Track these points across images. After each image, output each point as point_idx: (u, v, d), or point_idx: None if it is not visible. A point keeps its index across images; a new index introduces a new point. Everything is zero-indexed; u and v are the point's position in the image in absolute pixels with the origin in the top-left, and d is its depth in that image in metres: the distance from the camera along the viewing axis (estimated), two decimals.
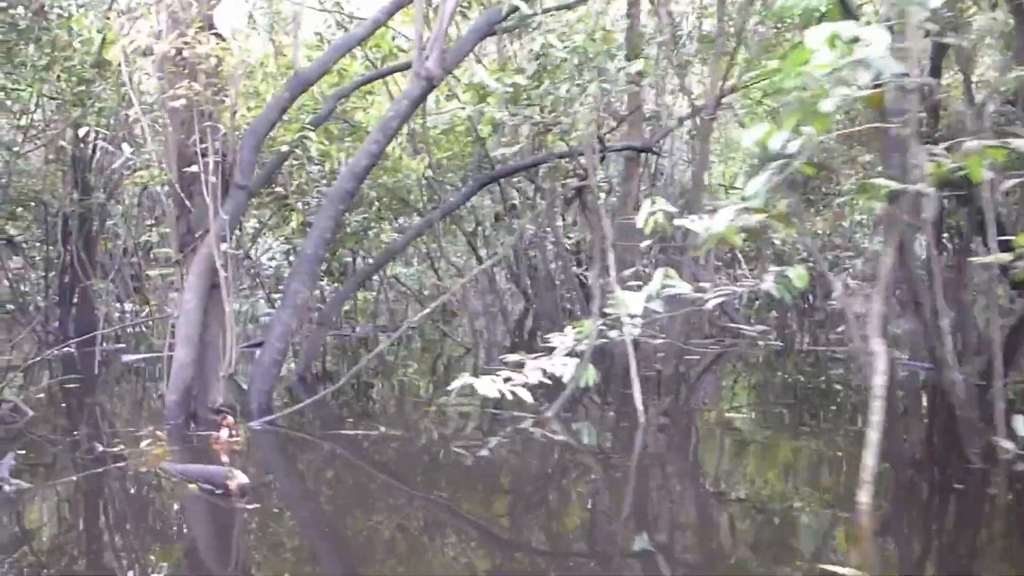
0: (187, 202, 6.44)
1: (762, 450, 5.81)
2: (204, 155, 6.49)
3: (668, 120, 10.38)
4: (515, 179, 11.32)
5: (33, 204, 15.24)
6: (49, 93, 11.98)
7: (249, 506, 3.91)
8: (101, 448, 5.26)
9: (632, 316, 5.85)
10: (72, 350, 8.21)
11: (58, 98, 12.24)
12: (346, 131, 9.00)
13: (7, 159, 13.56)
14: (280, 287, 14.76)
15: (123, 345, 13.42)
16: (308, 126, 7.42)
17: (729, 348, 10.19)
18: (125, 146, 6.26)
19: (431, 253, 14.58)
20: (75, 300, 15.12)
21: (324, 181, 8.40)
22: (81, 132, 13.03)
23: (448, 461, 5.30)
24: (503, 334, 12.95)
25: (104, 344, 13.12)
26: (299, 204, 8.41)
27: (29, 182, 14.87)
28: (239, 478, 4.04)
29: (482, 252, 13.67)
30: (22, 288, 14.90)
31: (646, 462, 5.46)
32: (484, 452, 5.57)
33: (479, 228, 12.85)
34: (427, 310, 6.86)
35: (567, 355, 6.38)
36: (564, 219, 15.59)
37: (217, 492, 4.10)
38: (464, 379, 5.71)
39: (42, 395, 7.40)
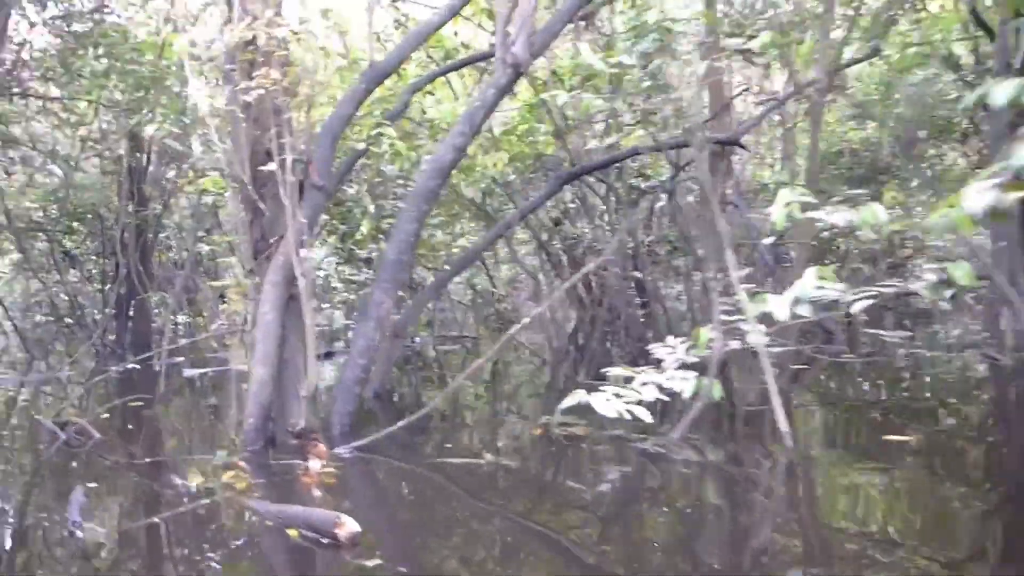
0: (261, 204, 5.83)
1: (952, 482, 4.63)
2: (278, 153, 5.90)
3: (756, 109, 9.55)
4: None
5: (89, 217, 14.97)
6: (106, 101, 11.61)
7: (368, 562, 3.21)
8: (179, 481, 4.65)
9: (770, 322, 5.07)
10: (135, 365, 7.66)
11: (115, 107, 11.88)
12: (419, 129, 8.36)
13: (66, 171, 13.28)
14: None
15: (181, 359, 12.99)
16: (384, 121, 6.78)
17: (871, 356, 9.08)
18: (195, 144, 5.70)
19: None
20: (131, 313, 14.80)
21: (400, 181, 7.75)
22: (143, 133, 12.73)
23: (579, 495, 4.53)
24: (557, 343, 12.18)
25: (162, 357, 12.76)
26: (370, 207, 7.77)
27: (84, 195, 14.59)
28: (350, 526, 3.35)
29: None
30: (78, 301, 14.58)
31: (807, 497, 4.60)
32: (609, 483, 4.83)
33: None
34: (518, 325, 6.13)
35: (679, 367, 5.68)
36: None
37: (324, 541, 3.42)
38: (577, 396, 5.00)
39: (106, 414, 6.86)
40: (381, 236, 8.11)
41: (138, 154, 13.16)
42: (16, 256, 16.14)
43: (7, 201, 12.85)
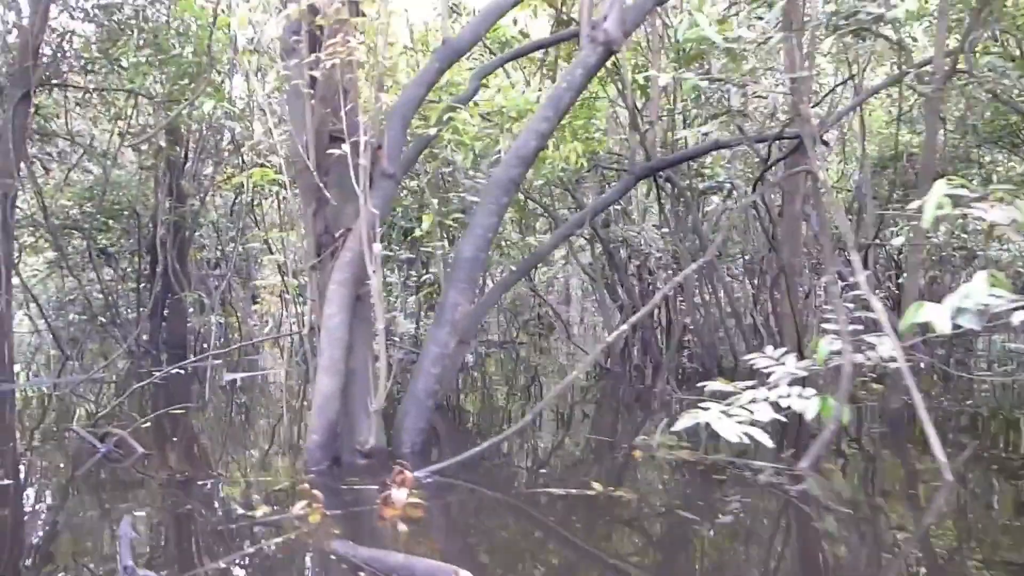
0: (327, 193, 5.14)
1: None
2: (344, 137, 5.22)
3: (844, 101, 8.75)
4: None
5: (125, 214, 14.44)
6: (147, 92, 11.06)
7: None
8: (240, 510, 3.95)
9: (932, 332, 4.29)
10: (181, 370, 7.00)
11: (155, 97, 11.32)
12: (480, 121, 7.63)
13: (104, 166, 12.74)
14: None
15: (219, 361, 12.38)
16: (457, 104, 6.09)
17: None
18: (257, 125, 5.02)
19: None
20: (165, 312, 14.25)
21: (471, 172, 7.04)
22: (182, 126, 12.17)
23: (728, 543, 3.76)
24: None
25: (194, 358, 12.11)
26: (433, 201, 7.06)
27: (120, 192, 14.07)
28: None
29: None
30: (112, 299, 14.03)
31: (984, 544, 3.80)
32: (764, 526, 4.06)
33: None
34: (611, 336, 5.38)
35: (791, 383, 4.91)
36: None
37: None
38: (694, 416, 4.25)
39: (147, 423, 6.21)
40: (445, 233, 7.41)
41: (177, 147, 12.58)
42: (50, 254, 15.68)
43: (43, 198, 12.31)
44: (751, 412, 4.45)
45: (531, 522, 3.91)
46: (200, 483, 4.58)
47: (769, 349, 5.29)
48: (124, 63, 11.24)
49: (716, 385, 5.04)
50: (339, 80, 5.08)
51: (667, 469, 4.71)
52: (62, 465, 5.27)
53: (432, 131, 5.91)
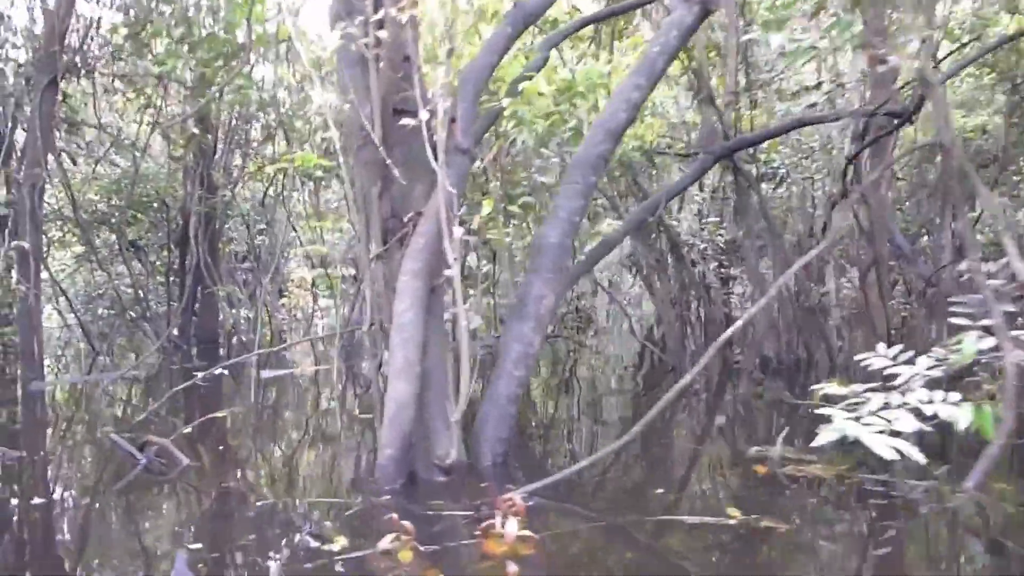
0: (395, 171, 4.45)
1: None
2: (409, 110, 4.55)
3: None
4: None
5: (155, 206, 13.88)
6: (178, 78, 10.44)
7: None
8: (313, 543, 3.29)
9: None
10: (223, 371, 6.35)
11: (185, 84, 10.72)
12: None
13: (133, 155, 12.16)
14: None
15: (254, 357, 11.78)
16: (530, 72, 5.39)
17: None
18: (315, 94, 4.32)
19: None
20: (196, 307, 13.69)
21: (544, 151, 6.33)
22: (213, 115, 11.57)
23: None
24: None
25: (234, 356, 11.52)
26: (493, 182, 6.36)
27: (148, 185, 13.51)
28: None
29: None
30: (140, 294, 13.47)
31: None
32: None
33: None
34: (731, 329, 4.63)
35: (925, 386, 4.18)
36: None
37: None
38: (839, 425, 3.54)
39: (188, 429, 5.58)
40: (509, 220, 6.71)
41: (209, 136, 11.97)
42: (78, 248, 15.17)
43: (72, 190, 11.75)
44: (888, 421, 3.75)
45: (673, 563, 3.18)
46: (258, 503, 3.92)
47: (882, 347, 4.57)
48: (153, 49, 10.69)
49: (832, 388, 4.34)
50: (406, 42, 4.40)
51: (804, 489, 3.99)
52: (99, 479, 4.64)
53: (505, 102, 5.20)
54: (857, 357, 5.04)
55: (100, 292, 15.34)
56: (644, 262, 10.57)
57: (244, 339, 13.09)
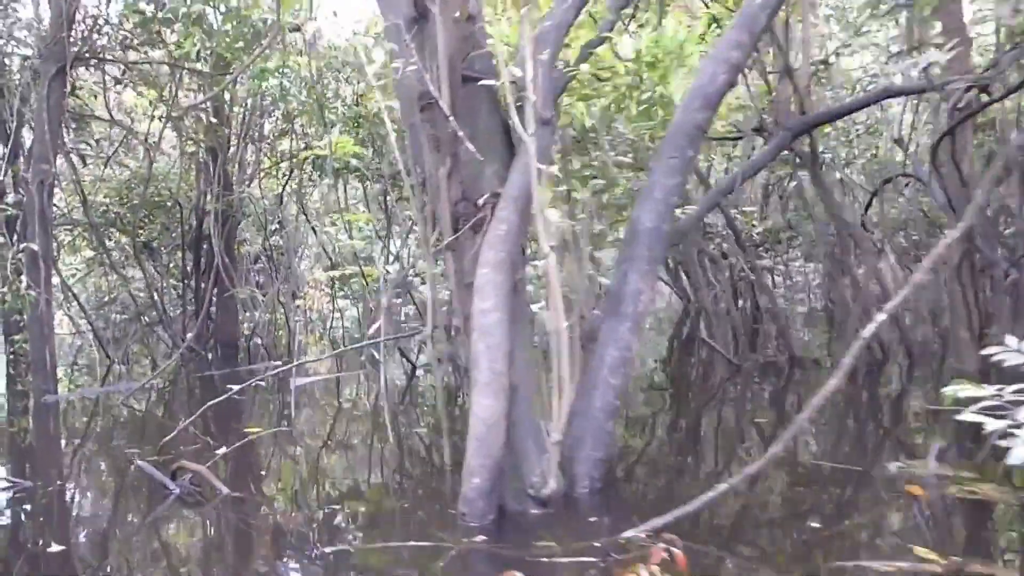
0: (470, 146, 3.72)
1: None
2: (479, 76, 3.83)
3: None
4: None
5: (168, 204, 13.17)
6: (192, 65, 9.72)
7: None
8: None
9: None
10: (261, 382, 5.63)
11: (202, 71, 10.00)
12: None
13: (147, 149, 11.45)
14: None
15: (280, 363, 11.08)
16: (606, 34, 4.66)
17: None
18: (379, 50, 3.64)
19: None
20: (213, 310, 12.99)
21: (616, 125, 5.57)
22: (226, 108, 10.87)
23: None
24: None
25: (246, 357, 10.81)
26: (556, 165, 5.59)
27: (160, 185, 12.80)
28: None
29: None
30: (156, 298, 12.76)
31: None
32: None
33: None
34: (872, 325, 3.92)
35: None
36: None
37: None
38: None
39: (221, 449, 4.87)
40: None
41: (225, 128, 11.27)
42: (88, 253, 14.49)
43: (82, 188, 11.05)
44: None
45: None
46: (327, 550, 3.19)
47: (1012, 340, 3.83)
48: (166, 37, 9.98)
49: (968, 390, 3.61)
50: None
51: (991, 518, 3.26)
52: (125, 517, 3.93)
53: (583, 67, 4.46)
54: (989, 351, 4.31)
55: (112, 297, 14.65)
56: (686, 255, 9.85)
57: (264, 343, 12.39)
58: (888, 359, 7.53)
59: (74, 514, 3.99)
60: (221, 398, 4.90)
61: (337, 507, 3.88)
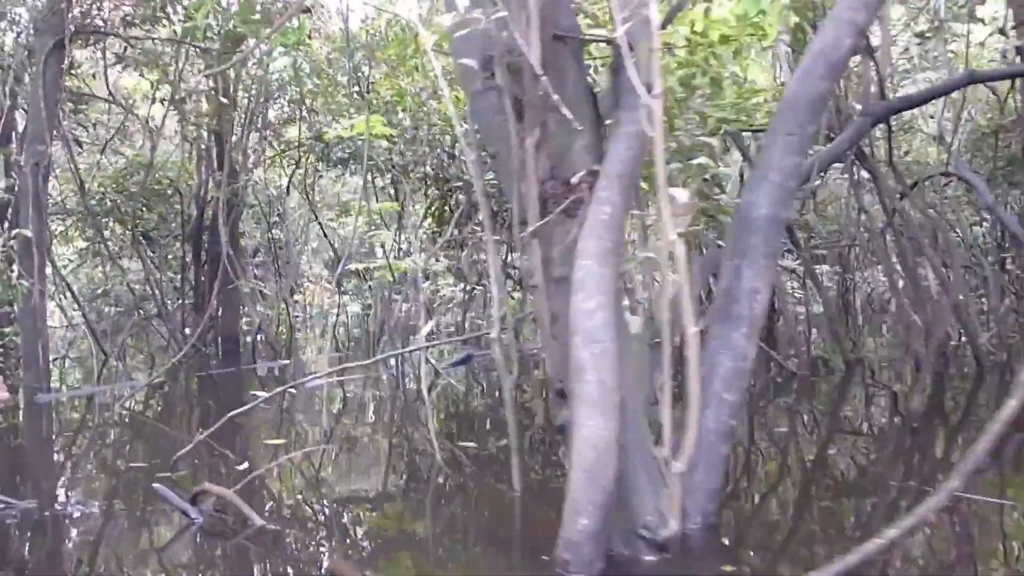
0: (566, 111, 3.05)
1: None
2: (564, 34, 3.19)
3: None
4: None
5: (169, 193, 12.41)
6: (198, 41, 9.00)
7: None
8: None
9: None
10: (292, 390, 4.92)
11: (208, 48, 9.28)
12: None
13: (151, 131, 10.69)
14: None
15: (287, 361, 10.39)
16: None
17: None
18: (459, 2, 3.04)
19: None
20: (215, 304, 12.23)
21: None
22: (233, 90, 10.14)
23: None
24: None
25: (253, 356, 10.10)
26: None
27: (159, 173, 12.05)
28: None
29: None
30: (156, 291, 11.99)
31: None
32: None
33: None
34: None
35: None
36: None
37: None
38: None
39: (243, 464, 4.19)
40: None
41: (234, 112, 10.53)
42: (81, 244, 13.69)
43: (79, 175, 10.29)
44: None
45: None
46: None
47: None
48: (171, 14, 9.26)
49: None
50: None
51: None
52: (139, 546, 3.24)
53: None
54: None
55: (105, 289, 13.86)
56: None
57: (269, 340, 11.68)
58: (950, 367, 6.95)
59: (79, 542, 3.30)
60: (246, 407, 4.19)
61: (395, 546, 3.21)
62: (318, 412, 6.20)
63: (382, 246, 8.94)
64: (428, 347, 5.31)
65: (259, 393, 4.25)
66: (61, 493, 3.98)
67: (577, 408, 2.77)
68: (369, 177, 12.68)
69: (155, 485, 3.52)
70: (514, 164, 3.29)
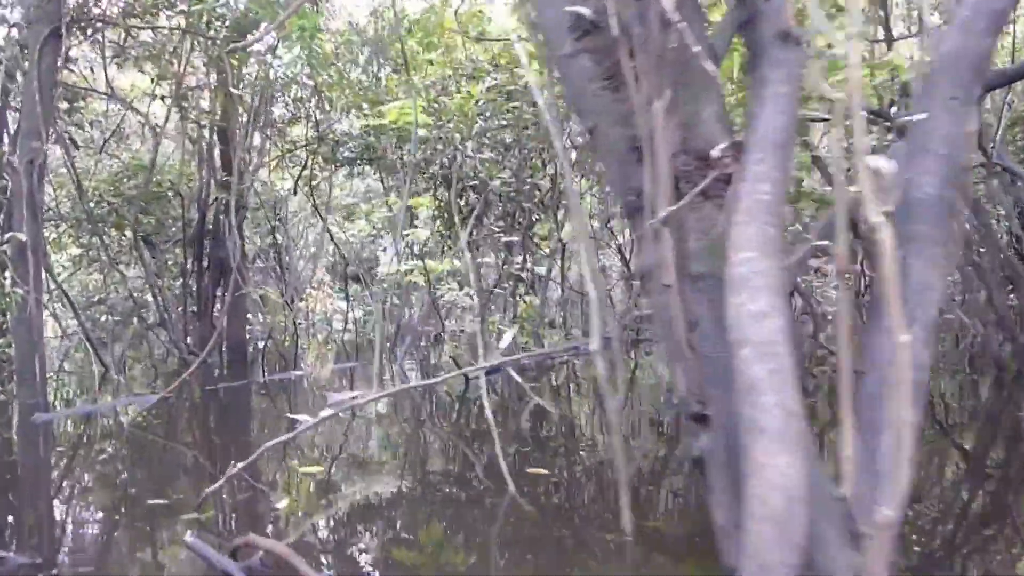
0: (708, 65, 2.42)
1: None
2: None
3: None
4: None
5: (170, 194, 11.68)
6: (202, 32, 8.33)
7: None
8: None
9: None
10: (329, 410, 4.23)
11: (213, 39, 8.61)
12: None
13: (154, 128, 9.98)
14: None
15: (300, 372, 9.70)
16: None
17: None
18: None
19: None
20: (216, 313, 11.51)
21: None
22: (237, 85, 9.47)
23: None
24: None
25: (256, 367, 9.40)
26: None
27: (158, 175, 11.34)
28: None
29: None
30: (158, 299, 11.25)
31: None
32: None
33: None
34: None
35: None
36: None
37: None
38: None
39: (278, 497, 3.51)
40: None
41: (239, 109, 9.85)
42: (75, 250, 12.94)
43: (76, 173, 9.56)
44: None
45: None
46: None
47: None
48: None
49: None
50: None
51: None
52: None
53: None
54: None
55: (101, 297, 13.09)
56: None
57: (280, 351, 10.97)
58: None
59: None
60: (286, 437, 3.49)
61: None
62: (353, 432, 5.51)
63: (408, 247, 8.26)
64: (508, 362, 4.62)
65: (300, 417, 3.54)
66: (69, 545, 3.27)
67: (755, 441, 2.11)
68: (379, 176, 12.05)
69: (188, 539, 2.83)
70: (605, 139, 2.64)
